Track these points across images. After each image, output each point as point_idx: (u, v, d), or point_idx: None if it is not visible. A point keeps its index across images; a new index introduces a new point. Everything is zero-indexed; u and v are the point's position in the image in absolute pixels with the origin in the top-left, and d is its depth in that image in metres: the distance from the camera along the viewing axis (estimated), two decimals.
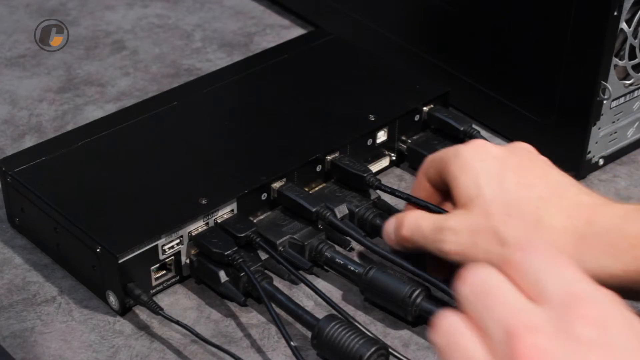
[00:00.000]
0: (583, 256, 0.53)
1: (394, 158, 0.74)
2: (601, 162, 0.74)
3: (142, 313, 0.62)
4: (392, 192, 0.66)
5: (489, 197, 0.56)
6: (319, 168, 0.69)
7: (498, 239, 0.55)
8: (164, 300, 0.63)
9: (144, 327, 0.61)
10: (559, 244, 0.53)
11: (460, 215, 0.57)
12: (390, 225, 0.62)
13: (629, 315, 0.37)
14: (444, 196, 0.62)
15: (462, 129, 0.72)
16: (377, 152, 0.73)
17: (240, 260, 0.61)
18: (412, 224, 0.60)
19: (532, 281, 0.39)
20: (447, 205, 0.62)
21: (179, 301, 0.63)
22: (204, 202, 0.63)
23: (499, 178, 0.57)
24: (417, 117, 0.74)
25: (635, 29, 0.69)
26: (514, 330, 0.37)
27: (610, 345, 0.36)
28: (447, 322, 0.39)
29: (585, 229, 0.54)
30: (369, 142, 0.71)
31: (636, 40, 0.69)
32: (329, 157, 0.69)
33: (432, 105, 0.74)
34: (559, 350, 0.36)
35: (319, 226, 0.65)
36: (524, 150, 0.59)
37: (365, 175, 0.67)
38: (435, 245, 0.58)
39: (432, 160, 0.62)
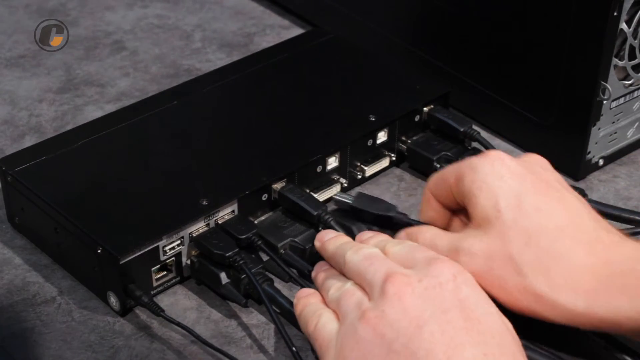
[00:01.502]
0: (600, 297, 0.53)
1: (394, 158, 0.74)
2: (601, 162, 0.74)
3: (142, 313, 0.62)
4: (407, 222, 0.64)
5: (508, 221, 0.55)
6: (319, 168, 0.69)
7: (514, 267, 0.54)
8: (164, 301, 0.63)
9: (143, 328, 0.61)
10: (576, 280, 0.53)
11: (476, 236, 0.56)
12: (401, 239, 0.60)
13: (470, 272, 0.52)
14: (452, 212, 0.61)
15: (462, 129, 0.72)
16: (377, 153, 0.73)
17: (241, 261, 0.60)
18: (427, 242, 0.58)
19: (406, 257, 0.53)
20: (456, 221, 0.61)
21: (179, 301, 0.63)
22: (204, 202, 0.63)
23: (518, 200, 0.55)
24: (417, 118, 0.74)
25: (635, 30, 0.69)
26: (391, 275, 0.51)
27: (459, 285, 0.50)
28: (342, 286, 0.54)
29: (603, 269, 0.53)
30: (369, 142, 0.71)
31: (636, 41, 0.69)
32: (328, 159, 0.69)
33: (432, 106, 0.74)
34: (423, 287, 0.50)
35: (320, 229, 0.65)
36: (538, 167, 0.58)
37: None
38: None
39: (440, 177, 0.60)
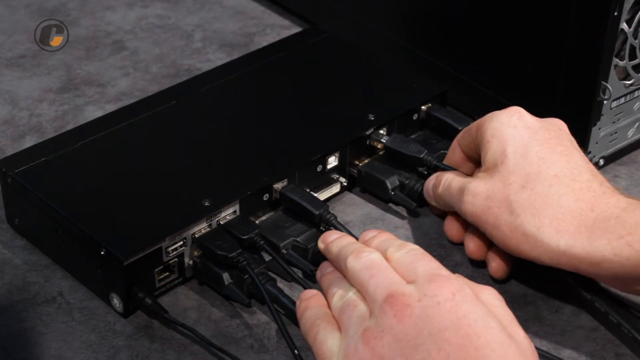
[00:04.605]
0: (581, 237, 0.57)
1: None
2: (601, 162, 0.74)
3: (143, 313, 0.62)
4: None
5: (511, 166, 0.60)
6: (319, 168, 0.69)
7: (509, 207, 0.59)
8: (164, 301, 0.63)
9: (144, 328, 0.61)
10: (561, 221, 0.58)
11: (482, 179, 0.62)
12: (429, 182, 0.68)
13: (473, 287, 0.51)
14: (475, 165, 0.67)
15: (460, 128, 0.72)
16: (376, 152, 0.73)
17: (244, 262, 0.61)
18: (446, 183, 0.65)
19: (408, 268, 0.52)
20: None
21: (180, 301, 0.63)
22: (206, 203, 0.63)
23: (525, 148, 0.61)
24: (415, 116, 0.74)
25: (636, 29, 0.69)
26: (393, 294, 0.50)
27: (458, 304, 0.49)
28: (346, 293, 0.54)
29: (589, 214, 0.58)
30: (368, 141, 0.71)
31: (636, 41, 0.69)
32: (328, 158, 0.69)
33: (430, 105, 0.74)
34: (421, 306, 0.49)
35: (322, 228, 0.65)
36: (555, 127, 0.63)
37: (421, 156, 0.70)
38: (457, 204, 0.63)
39: (467, 129, 0.66)
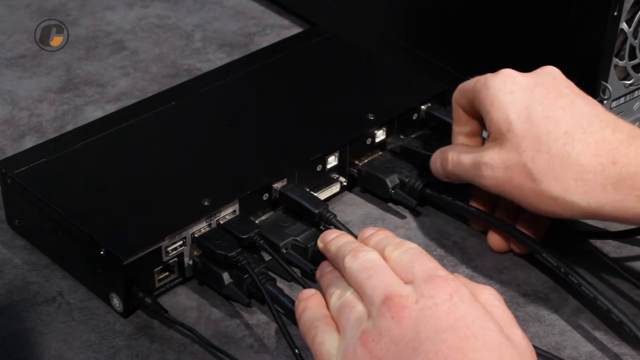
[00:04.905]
0: (609, 196, 0.57)
1: None
2: None
3: (143, 313, 0.62)
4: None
5: (519, 132, 0.60)
6: (319, 168, 0.69)
7: (529, 174, 0.59)
8: (164, 301, 0.63)
9: (144, 327, 0.61)
10: (586, 180, 0.58)
11: (494, 150, 0.61)
12: (436, 161, 0.67)
13: (470, 288, 0.51)
14: (479, 121, 0.66)
15: None
16: (375, 151, 0.73)
17: (244, 261, 0.61)
18: (455, 159, 0.64)
19: (406, 268, 0.52)
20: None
21: (180, 301, 0.63)
22: (206, 203, 0.63)
23: (527, 111, 0.60)
24: (415, 116, 0.74)
25: (636, 29, 0.69)
26: (390, 296, 0.50)
27: (455, 305, 0.49)
28: (344, 293, 0.54)
29: (611, 169, 0.57)
30: (368, 141, 0.72)
31: (636, 41, 0.69)
32: (328, 158, 0.69)
33: (429, 104, 0.74)
34: (419, 308, 0.49)
35: (322, 227, 0.65)
36: (549, 77, 0.62)
37: None
38: (475, 179, 0.63)
39: (462, 90, 0.65)
